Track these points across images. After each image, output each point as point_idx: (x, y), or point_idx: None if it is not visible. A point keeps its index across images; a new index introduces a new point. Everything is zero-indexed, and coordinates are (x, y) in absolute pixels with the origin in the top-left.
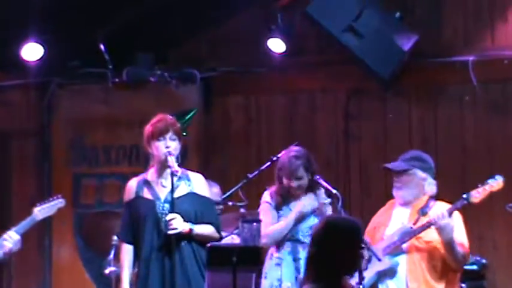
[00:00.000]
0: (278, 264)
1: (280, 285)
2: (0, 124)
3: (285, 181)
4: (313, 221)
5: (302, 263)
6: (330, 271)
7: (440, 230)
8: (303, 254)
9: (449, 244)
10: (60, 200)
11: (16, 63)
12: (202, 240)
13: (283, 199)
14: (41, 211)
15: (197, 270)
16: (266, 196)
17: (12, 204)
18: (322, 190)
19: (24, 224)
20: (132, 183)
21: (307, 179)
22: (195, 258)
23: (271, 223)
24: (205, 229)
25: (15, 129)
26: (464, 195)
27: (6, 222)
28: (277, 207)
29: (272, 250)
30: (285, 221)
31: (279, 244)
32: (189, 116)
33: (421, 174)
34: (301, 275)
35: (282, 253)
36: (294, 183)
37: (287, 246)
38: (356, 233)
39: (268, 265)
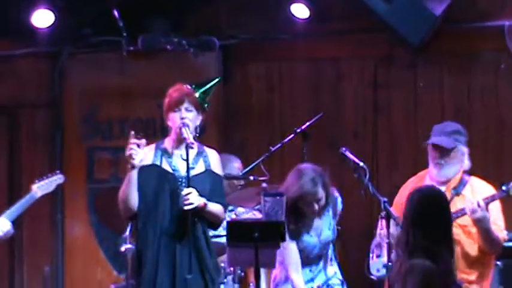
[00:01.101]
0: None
1: None
2: (9, 96)
3: (306, 210)
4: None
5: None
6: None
7: (476, 221)
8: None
9: (485, 232)
10: (59, 176)
11: (25, 30)
12: (210, 218)
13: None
14: (40, 188)
15: (206, 248)
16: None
17: (22, 181)
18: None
19: (23, 202)
20: (149, 150)
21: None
22: (205, 236)
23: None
24: (216, 208)
25: (25, 101)
26: (504, 187)
27: (17, 197)
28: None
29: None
30: None
31: None
32: (210, 85)
33: (463, 149)
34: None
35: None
36: (316, 207)
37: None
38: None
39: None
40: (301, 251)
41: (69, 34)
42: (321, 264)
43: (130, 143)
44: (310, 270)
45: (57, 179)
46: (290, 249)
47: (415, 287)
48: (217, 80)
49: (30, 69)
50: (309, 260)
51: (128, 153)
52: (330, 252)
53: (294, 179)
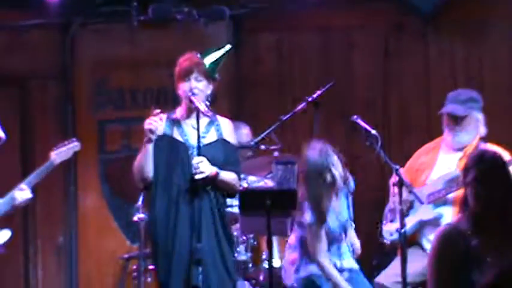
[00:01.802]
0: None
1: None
2: (19, 67)
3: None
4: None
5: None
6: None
7: None
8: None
9: None
10: (76, 144)
11: (36, 2)
12: (224, 187)
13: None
14: (58, 155)
15: (219, 220)
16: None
17: (35, 151)
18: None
19: (42, 169)
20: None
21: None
22: (218, 205)
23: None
24: (229, 176)
25: (36, 72)
26: None
27: (30, 170)
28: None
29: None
30: (337, 279)
31: None
32: (220, 55)
33: (477, 115)
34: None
35: None
36: (329, 177)
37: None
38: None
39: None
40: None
41: (79, 5)
42: (342, 246)
43: (152, 117)
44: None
45: (73, 146)
46: (321, 235)
47: None
48: (228, 48)
49: (40, 41)
50: (330, 242)
51: (147, 127)
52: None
53: (309, 152)
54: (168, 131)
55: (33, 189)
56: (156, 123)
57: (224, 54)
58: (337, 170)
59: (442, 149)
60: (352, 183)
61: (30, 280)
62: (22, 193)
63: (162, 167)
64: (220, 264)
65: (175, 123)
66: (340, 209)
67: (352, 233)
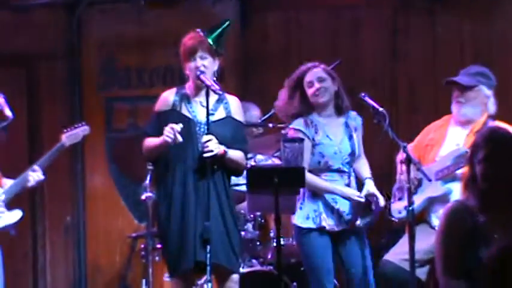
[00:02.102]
0: (315, 195)
1: (318, 215)
2: (26, 47)
3: (308, 91)
4: (347, 145)
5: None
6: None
7: None
8: (341, 182)
9: None
10: (85, 127)
11: None
12: (231, 165)
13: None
14: (68, 137)
15: (225, 198)
16: (299, 123)
17: (42, 131)
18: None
19: (53, 151)
20: (169, 95)
21: (331, 83)
22: (224, 184)
23: (306, 160)
24: (236, 154)
25: (43, 51)
26: None
27: (37, 149)
28: (313, 137)
29: None
30: (326, 187)
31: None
32: (221, 29)
33: (486, 91)
34: (338, 205)
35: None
36: (318, 85)
37: (325, 176)
38: None
39: (305, 195)
40: (320, 155)
41: None
42: (342, 183)
43: (172, 129)
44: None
45: (83, 129)
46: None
47: None
48: (227, 22)
49: (47, 20)
50: (328, 170)
51: (166, 138)
52: (353, 179)
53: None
54: (177, 106)
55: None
56: (173, 137)
57: (225, 28)
58: None
59: (450, 124)
60: (359, 121)
61: (39, 259)
62: (35, 174)
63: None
64: (226, 243)
65: (184, 98)
66: (342, 137)
67: (370, 185)
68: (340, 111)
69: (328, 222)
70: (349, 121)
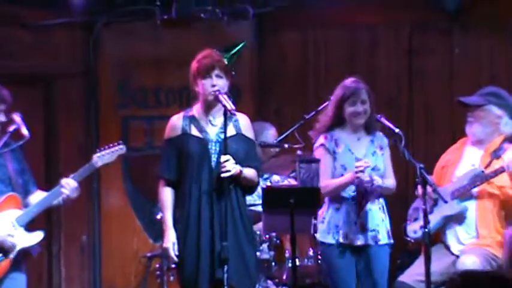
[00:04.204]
0: (337, 210)
1: (337, 231)
2: (44, 66)
3: (349, 109)
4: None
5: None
6: None
7: None
8: None
9: None
10: (121, 147)
11: (60, 0)
12: (246, 184)
13: (338, 140)
14: (100, 157)
15: (240, 218)
16: (320, 139)
17: (60, 149)
18: (385, 139)
19: (82, 171)
20: (177, 120)
21: (369, 107)
22: (238, 204)
23: (326, 172)
24: (250, 172)
25: (60, 71)
26: None
27: (54, 167)
28: (334, 150)
29: None
30: (340, 182)
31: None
32: (235, 50)
33: (496, 111)
34: (361, 220)
35: (343, 197)
36: (360, 108)
37: (348, 190)
38: None
39: (327, 210)
40: (342, 168)
41: (103, 3)
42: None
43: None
44: None
45: (118, 149)
46: (324, 158)
47: None
48: (242, 44)
49: (65, 39)
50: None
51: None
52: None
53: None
54: (187, 129)
55: None
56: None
57: (239, 50)
58: None
59: (466, 145)
60: (385, 141)
61: (54, 278)
62: (69, 187)
63: (187, 166)
64: (240, 263)
65: (193, 120)
66: (365, 152)
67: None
68: (369, 130)
69: (349, 237)
70: (375, 140)
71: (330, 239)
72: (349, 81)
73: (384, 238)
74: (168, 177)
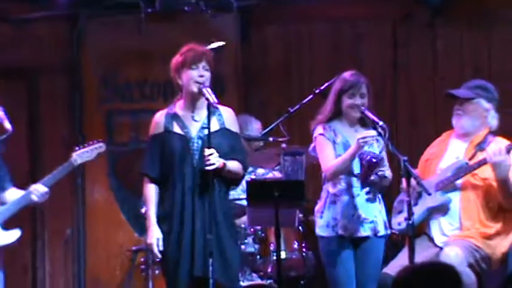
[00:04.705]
0: (334, 202)
1: (336, 223)
2: (27, 60)
3: (347, 101)
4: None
5: (359, 199)
6: None
7: (495, 166)
8: (357, 189)
9: (503, 183)
10: (101, 145)
11: None
12: (230, 176)
13: (336, 131)
14: (79, 155)
15: (222, 213)
16: (319, 129)
17: (42, 144)
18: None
19: (57, 172)
20: (160, 117)
21: (367, 101)
22: (220, 198)
23: (330, 157)
24: (234, 165)
25: (43, 65)
26: None
27: (37, 162)
28: (333, 140)
29: (327, 187)
30: (346, 155)
31: (335, 179)
32: (213, 47)
33: (485, 104)
34: (359, 211)
35: (338, 189)
36: (359, 101)
37: (343, 182)
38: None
39: (324, 203)
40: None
41: None
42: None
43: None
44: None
45: (98, 147)
46: (325, 145)
47: None
48: (221, 44)
49: (48, 33)
50: (349, 174)
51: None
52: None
53: (341, 75)
54: (169, 126)
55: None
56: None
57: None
58: None
59: (451, 138)
60: (382, 142)
61: (38, 272)
62: (38, 192)
63: (164, 162)
64: (222, 257)
65: (175, 117)
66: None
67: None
68: (364, 124)
69: (348, 229)
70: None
71: (329, 232)
72: (349, 73)
73: (382, 230)
74: (151, 174)
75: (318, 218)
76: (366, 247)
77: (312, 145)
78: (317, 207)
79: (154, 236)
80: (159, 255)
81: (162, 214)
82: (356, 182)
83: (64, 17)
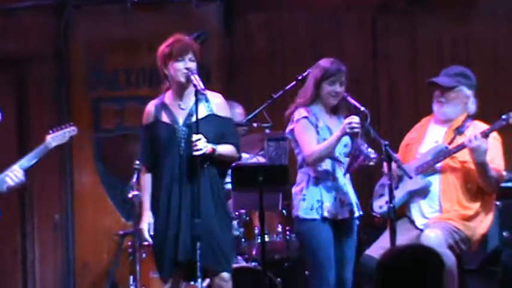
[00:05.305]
0: (316, 185)
1: (321, 206)
2: (14, 49)
3: (327, 88)
4: (347, 139)
5: (341, 181)
6: None
7: (473, 151)
8: (340, 173)
9: (481, 166)
10: (73, 128)
11: None
12: (223, 160)
13: (316, 115)
14: (53, 138)
15: (211, 195)
16: (302, 112)
17: (31, 132)
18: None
19: (34, 154)
20: (150, 107)
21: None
22: (211, 183)
23: (313, 141)
24: (226, 149)
25: (31, 54)
26: (504, 116)
27: (26, 150)
28: (316, 124)
29: (308, 170)
30: (330, 140)
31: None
32: (196, 36)
33: (466, 91)
34: (340, 194)
35: (320, 173)
36: (338, 89)
37: (325, 165)
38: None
39: (306, 186)
40: (324, 141)
41: None
42: (340, 173)
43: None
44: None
45: (70, 130)
46: (308, 129)
47: None
48: (206, 36)
49: (35, 22)
50: (329, 157)
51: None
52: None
53: (321, 62)
54: (159, 116)
55: (28, 170)
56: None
57: (200, 37)
58: None
59: (430, 123)
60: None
61: (28, 257)
62: (12, 175)
63: (154, 150)
64: (211, 243)
65: (163, 107)
66: (335, 128)
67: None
68: (336, 111)
69: (332, 212)
70: (343, 121)
71: (314, 215)
72: (329, 61)
73: (356, 211)
74: (145, 163)
75: (300, 200)
76: (345, 229)
77: (290, 127)
78: (295, 190)
79: (146, 221)
80: (150, 240)
81: (151, 201)
82: (337, 166)
83: (51, 6)
